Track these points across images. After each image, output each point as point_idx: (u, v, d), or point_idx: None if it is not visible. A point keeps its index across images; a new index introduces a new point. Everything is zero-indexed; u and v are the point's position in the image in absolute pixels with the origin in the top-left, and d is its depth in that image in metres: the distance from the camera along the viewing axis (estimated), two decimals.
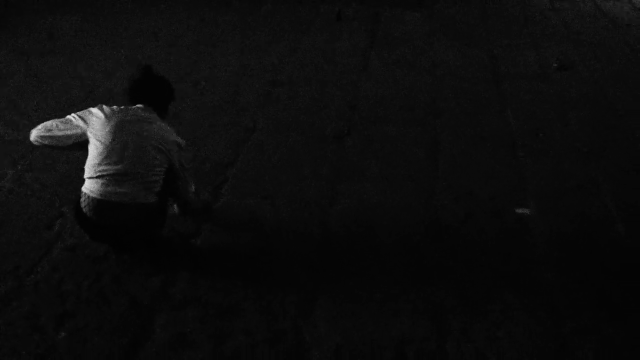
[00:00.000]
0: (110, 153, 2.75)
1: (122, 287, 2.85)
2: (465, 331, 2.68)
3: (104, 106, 2.86)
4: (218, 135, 4.22)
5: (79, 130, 2.81)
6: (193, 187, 3.15)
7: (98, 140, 2.76)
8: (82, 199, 2.82)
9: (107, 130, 2.76)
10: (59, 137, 2.83)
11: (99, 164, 2.75)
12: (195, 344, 2.58)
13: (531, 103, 4.87)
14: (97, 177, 2.76)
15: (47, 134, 2.84)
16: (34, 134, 2.86)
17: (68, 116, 2.87)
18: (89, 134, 2.79)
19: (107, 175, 2.75)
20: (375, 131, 4.34)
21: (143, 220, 2.86)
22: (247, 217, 3.37)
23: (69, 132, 2.82)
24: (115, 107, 2.87)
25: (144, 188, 2.81)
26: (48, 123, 2.86)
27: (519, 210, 3.51)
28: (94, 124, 2.79)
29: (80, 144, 2.84)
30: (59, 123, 2.85)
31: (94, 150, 2.78)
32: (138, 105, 2.91)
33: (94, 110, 2.85)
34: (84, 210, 2.81)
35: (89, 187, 2.79)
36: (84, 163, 2.83)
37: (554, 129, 4.47)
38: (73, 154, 3.52)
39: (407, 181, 3.73)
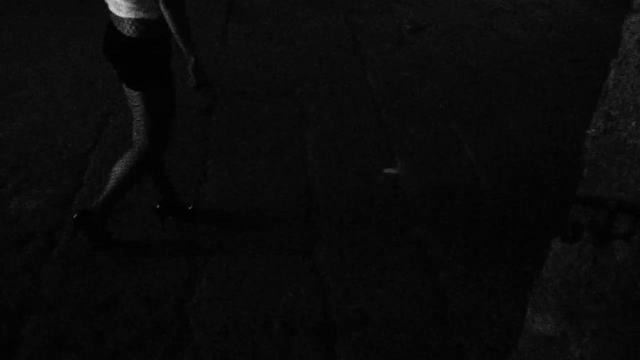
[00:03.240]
0: None
1: None
2: (347, 292, 2.73)
3: None
4: (73, 122, 3.97)
5: None
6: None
7: None
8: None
9: None
10: None
11: None
12: (74, 344, 2.44)
13: (390, 65, 4.99)
14: None
15: None
16: None
17: None
18: None
19: None
20: (241, 105, 4.28)
21: (124, 38, 2.42)
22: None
23: None
24: None
25: (136, 3, 2.35)
26: None
27: (387, 170, 3.61)
28: None
29: None
30: None
31: None
32: None
33: None
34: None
35: None
36: None
37: (413, 88, 4.62)
38: None
39: (278, 153, 3.71)
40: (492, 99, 4.49)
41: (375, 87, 4.63)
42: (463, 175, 3.61)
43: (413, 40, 5.53)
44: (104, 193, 2.80)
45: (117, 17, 2.43)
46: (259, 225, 3.13)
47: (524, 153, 3.84)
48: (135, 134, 2.72)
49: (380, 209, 3.29)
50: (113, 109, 4.13)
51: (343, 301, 2.69)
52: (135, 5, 2.37)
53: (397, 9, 6.32)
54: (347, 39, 5.53)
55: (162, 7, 2.36)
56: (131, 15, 2.39)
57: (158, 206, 3.06)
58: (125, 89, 2.63)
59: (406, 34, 5.67)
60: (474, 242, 3.07)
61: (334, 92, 4.52)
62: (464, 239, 3.09)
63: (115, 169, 2.78)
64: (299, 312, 2.63)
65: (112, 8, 2.44)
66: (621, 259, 1.39)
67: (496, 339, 2.54)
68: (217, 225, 3.11)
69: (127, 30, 2.42)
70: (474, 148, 3.86)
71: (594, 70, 4.93)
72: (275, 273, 2.83)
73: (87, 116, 4.04)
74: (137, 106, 2.63)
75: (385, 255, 2.96)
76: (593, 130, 1.47)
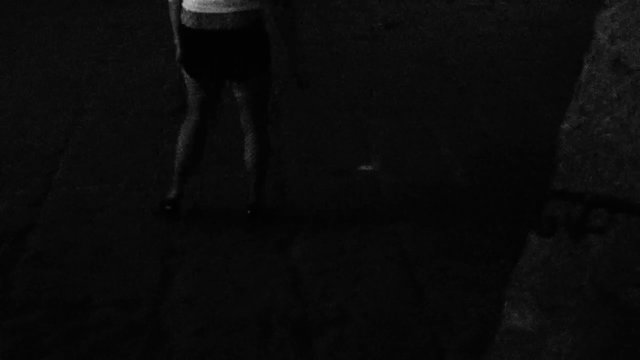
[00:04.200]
0: None
1: None
2: (325, 290, 2.72)
3: None
4: (43, 122, 3.90)
5: None
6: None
7: None
8: (184, 19, 2.71)
9: None
10: None
11: None
12: (45, 348, 2.38)
13: (364, 63, 4.99)
14: None
15: None
16: None
17: None
18: None
19: None
20: None
21: (250, 24, 2.71)
22: (86, 206, 3.15)
23: None
24: None
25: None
26: None
27: (363, 167, 3.60)
28: None
29: None
30: None
31: None
32: None
33: None
34: (186, 24, 2.70)
35: (188, 3, 2.68)
36: None
37: (387, 85, 4.62)
38: None
39: None
40: (465, 95, 4.51)
41: (349, 84, 4.62)
42: (439, 170, 3.62)
43: (386, 37, 5.53)
44: (256, 180, 3.05)
45: (237, 12, 2.66)
46: (233, 223, 3.09)
47: (498, 148, 3.86)
48: (251, 117, 2.97)
49: (357, 205, 3.28)
50: (83, 109, 4.06)
51: (321, 299, 2.68)
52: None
53: (369, 5, 6.32)
54: (321, 36, 5.51)
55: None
56: (253, 6, 2.70)
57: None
58: (250, 80, 2.85)
59: (379, 30, 5.67)
60: (450, 237, 3.08)
61: (308, 89, 4.49)
62: (440, 234, 3.10)
63: (249, 158, 3.00)
64: (276, 310, 2.60)
65: (228, 8, 2.65)
66: (597, 252, 1.40)
67: (473, 333, 2.55)
68: (191, 224, 3.07)
69: (252, 20, 2.71)
70: (449, 144, 3.87)
71: (565, 65, 4.98)
72: (251, 272, 2.80)
73: (57, 116, 3.96)
74: (262, 89, 2.93)
75: (362, 252, 2.95)
76: (567, 125, 1.47)
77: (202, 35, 2.69)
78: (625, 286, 1.37)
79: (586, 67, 1.42)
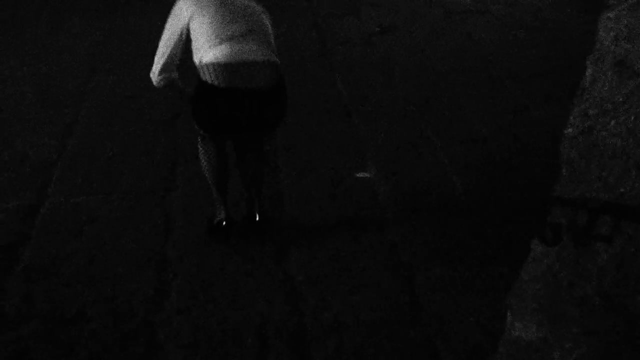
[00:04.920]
0: (224, 18, 2.59)
1: None
2: (322, 299, 2.67)
3: None
4: (36, 132, 3.84)
5: (182, 30, 2.63)
6: None
7: (203, 14, 2.58)
8: (206, 76, 2.56)
9: (213, 6, 2.60)
10: (175, 49, 2.65)
11: (217, 30, 2.56)
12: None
13: (358, 69, 4.96)
14: (220, 42, 2.55)
15: (166, 63, 2.66)
16: (156, 79, 2.70)
17: (163, 36, 2.67)
18: (189, 21, 2.60)
19: (230, 37, 2.57)
20: None
21: (278, 85, 2.67)
22: (79, 218, 3.10)
23: (178, 37, 2.64)
24: None
25: (269, 47, 2.66)
26: (156, 58, 2.68)
27: (360, 175, 3.56)
28: (188, 10, 2.61)
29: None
30: (163, 45, 2.66)
31: (203, 23, 2.58)
32: None
33: (177, 5, 2.65)
34: (213, 83, 2.55)
35: (212, 56, 2.54)
36: None
37: (383, 91, 4.59)
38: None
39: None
40: (460, 100, 4.48)
41: (344, 91, 4.58)
42: (435, 176, 3.58)
43: (381, 43, 5.50)
44: (255, 192, 3.05)
45: (271, 62, 2.63)
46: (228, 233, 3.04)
47: (494, 153, 3.83)
48: (255, 147, 2.95)
49: (353, 213, 3.24)
50: (76, 119, 4.01)
51: (318, 309, 2.63)
52: (275, 51, 2.71)
53: (364, 11, 6.30)
54: (316, 42, 5.48)
55: None
56: (278, 59, 2.68)
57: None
58: (264, 131, 2.85)
59: (375, 36, 5.64)
60: (447, 243, 3.04)
61: (303, 96, 4.46)
62: (437, 240, 3.06)
63: (248, 172, 2.98)
64: (272, 321, 2.56)
65: (264, 57, 2.61)
66: (603, 261, 1.36)
67: (472, 342, 2.51)
68: (185, 235, 3.02)
69: (279, 73, 2.68)
70: (445, 149, 3.83)
71: (559, 68, 4.96)
72: (246, 282, 2.75)
73: (50, 126, 3.91)
74: (270, 138, 2.97)
75: (359, 260, 2.90)
76: (571, 129, 1.43)
77: (232, 93, 2.58)
78: (632, 295, 1.33)
79: (589, 70, 1.38)
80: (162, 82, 2.70)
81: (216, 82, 2.54)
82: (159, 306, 2.61)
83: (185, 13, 2.60)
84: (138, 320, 2.54)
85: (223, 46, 2.54)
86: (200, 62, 2.57)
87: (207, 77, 2.56)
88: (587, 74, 1.39)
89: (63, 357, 2.37)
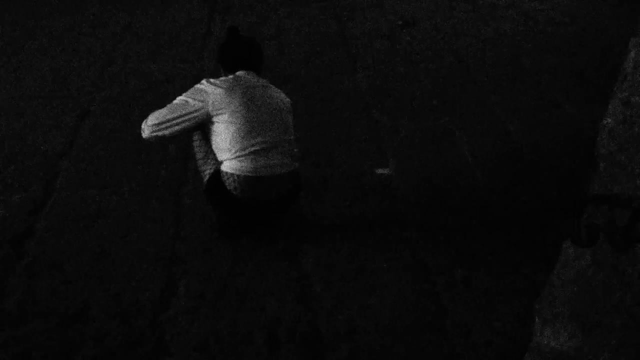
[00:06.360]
0: (252, 127, 2.61)
1: None
2: (337, 301, 2.55)
3: (210, 79, 2.65)
4: (46, 124, 3.78)
5: (199, 112, 2.61)
6: None
7: (231, 116, 2.59)
8: (227, 181, 2.63)
9: (236, 103, 2.59)
10: (181, 121, 2.61)
11: (242, 141, 2.59)
12: None
13: (381, 62, 4.83)
14: (244, 155, 2.60)
15: (165, 124, 2.62)
16: (148, 130, 2.64)
17: (178, 99, 2.65)
18: (212, 113, 2.59)
19: (255, 150, 2.62)
20: None
21: (295, 188, 2.81)
22: (87, 212, 3.02)
23: (192, 115, 2.61)
24: (222, 78, 2.64)
25: (289, 155, 2.73)
26: (160, 112, 2.64)
27: (379, 171, 3.44)
28: (214, 101, 2.59)
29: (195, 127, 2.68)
30: (175, 108, 2.63)
31: (230, 128, 2.59)
32: (242, 72, 2.72)
33: (204, 86, 2.62)
34: (233, 192, 2.63)
35: (235, 167, 2.61)
36: None
37: (405, 85, 4.46)
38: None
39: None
40: (486, 95, 4.33)
41: (365, 84, 4.46)
42: (459, 173, 3.44)
43: (404, 36, 5.37)
44: None
45: (291, 172, 2.76)
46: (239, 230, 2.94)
47: (522, 150, 3.67)
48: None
49: (372, 211, 3.11)
50: (89, 110, 3.94)
51: (332, 311, 2.51)
52: (295, 154, 2.82)
53: (386, 3, 6.16)
54: (336, 35, 5.37)
55: None
56: (297, 163, 2.83)
57: None
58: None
59: (397, 29, 5.51)
60: (471, 244, 2.90)
61: (323, 89, 4.35)
62: (460, 241, 2.91)
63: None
64: (284, 323, 2.44)
65: (286, 169, 2.73)
66: None
67: (496, 349, 2.36)
68: (195, 231, 2.92)
69: (298, 177, 2.83)
70: (470, 145, 3.69)
71: (590, 64, 4.79)
72: (258, 281, 2.64)
73: (61, 118, 3.85)
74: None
75: (377, 261, 2.78)
76: (609, 120, 1.29)
77: (252, 202, 2.70)
78: None
79: (632, 53, 1.24)
80: (152, 140, 2.70)
81: (235, 192, 2.65)
82: (166, 305, 2.51)
83: (211, 103, 2.60)
84: (145, 319, 2.44)
85: (246, 160, 2.61)
86: (221, 165, 2.66)
87: (226, 182, 2.64)
88: (629, 57, 1.25)
89: (66, 357, 2.28)
